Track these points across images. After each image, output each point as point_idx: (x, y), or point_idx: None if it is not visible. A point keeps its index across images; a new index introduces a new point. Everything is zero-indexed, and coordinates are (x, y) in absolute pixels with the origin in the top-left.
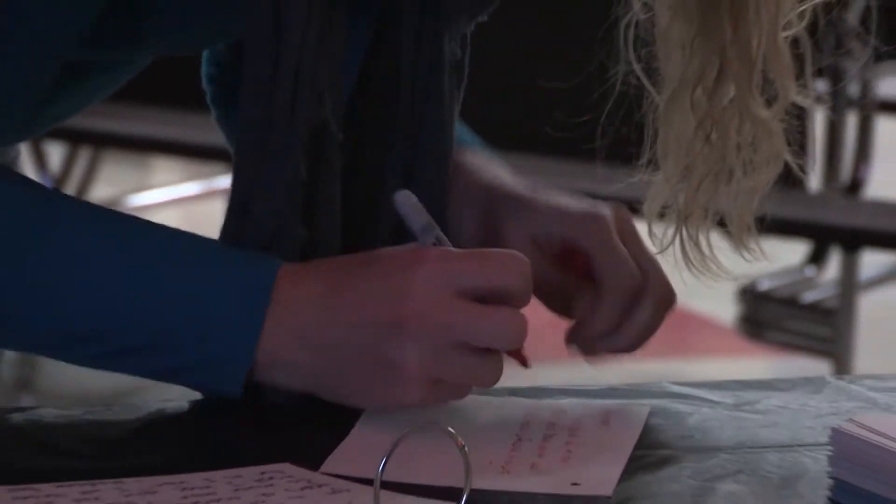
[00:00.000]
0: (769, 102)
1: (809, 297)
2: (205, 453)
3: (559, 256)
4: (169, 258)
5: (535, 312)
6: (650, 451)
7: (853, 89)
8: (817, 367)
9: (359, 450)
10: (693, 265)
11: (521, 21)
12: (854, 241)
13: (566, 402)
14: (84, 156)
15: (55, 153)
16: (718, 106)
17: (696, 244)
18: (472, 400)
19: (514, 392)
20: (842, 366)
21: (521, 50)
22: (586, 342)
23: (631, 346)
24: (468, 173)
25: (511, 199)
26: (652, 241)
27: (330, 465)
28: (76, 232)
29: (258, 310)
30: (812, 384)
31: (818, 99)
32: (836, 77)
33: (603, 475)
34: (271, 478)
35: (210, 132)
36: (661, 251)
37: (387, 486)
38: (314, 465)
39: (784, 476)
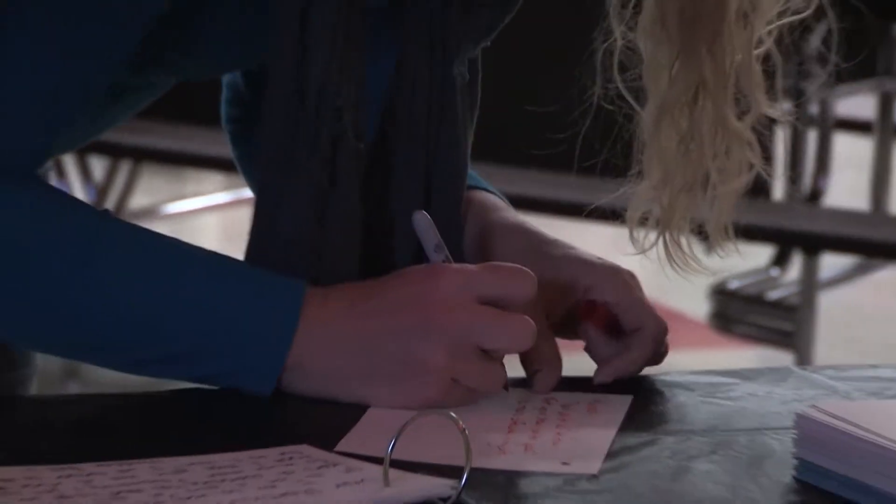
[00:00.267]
0: (742, 114)
1: (774, 295)
2: (231, 436)
3: (580, 303)
4: (208, 277)
5: None
6: (632, 434)
7: (813, 109)
8: (781, 358)
9: (370, 432)
10: (675, 263)
11: (512, 48)
12: (814, 245)
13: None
14: (124, 168)
15: (98, 166)
16: (698, 121)
17: (678, 245)
18: None
19: (510, 382)
20: (803, 357)
21: (512, 74)
22: (610, 376)
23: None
24: (501, 210)
25: (550, 245)
26: (634, 244)
27: (344, 445)
28: (127, 252)
29: (288, 325)
30: (777, 374)
31: (782, 117)
32: (798, 97)
33: (590, 455)
34: (291, 457)
35: None
36: (643, 252)
37: (395, 464)
38: (330, 446)
39: (753, 456)
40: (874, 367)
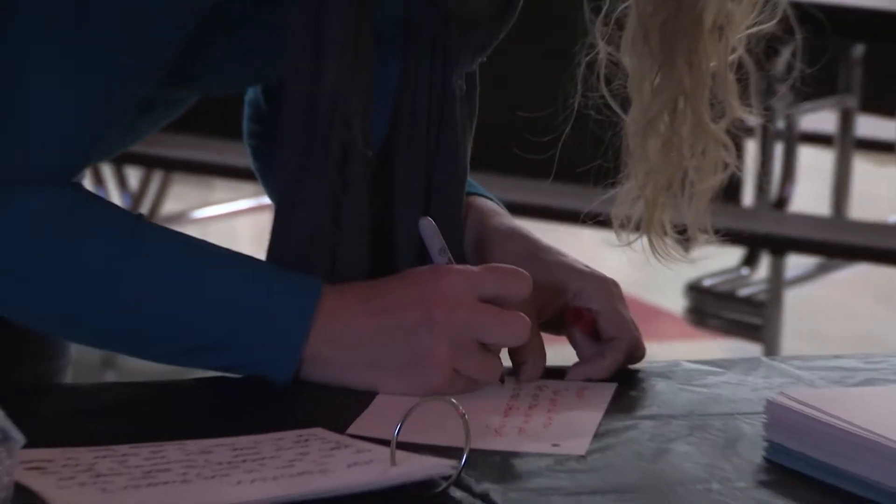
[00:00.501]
0: (717, 118)
1: (744, 292)
2: (252, 420)
3: (568, 307)
4: (233, 276)
5: None
6: (617, 419)
7: (780, 124)
8: (751, 349)
9: (378, 417)
10: (658, 254)
11: (501, 62)
12: (780, 247)
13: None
14: (157, 177)
15: (133, 175)
16: (678, 126)
17: (660, 238)
18: None
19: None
20: (770, 349)
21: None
22: (581, 376)
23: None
24: (501, 215)
25: (544, 251)
26: (619, 238)
27: (355, 428)
28: (160, 251)
29: (305, 320)
30: (748, 363)
31: (751, 131)
32: (766, 114)
33: (578, 438)
34: (307, 440)
35: None
36: (629, 244)
37: (401, 446)
38: (342, 429)
39: (727, 438)
40: (836, 357)
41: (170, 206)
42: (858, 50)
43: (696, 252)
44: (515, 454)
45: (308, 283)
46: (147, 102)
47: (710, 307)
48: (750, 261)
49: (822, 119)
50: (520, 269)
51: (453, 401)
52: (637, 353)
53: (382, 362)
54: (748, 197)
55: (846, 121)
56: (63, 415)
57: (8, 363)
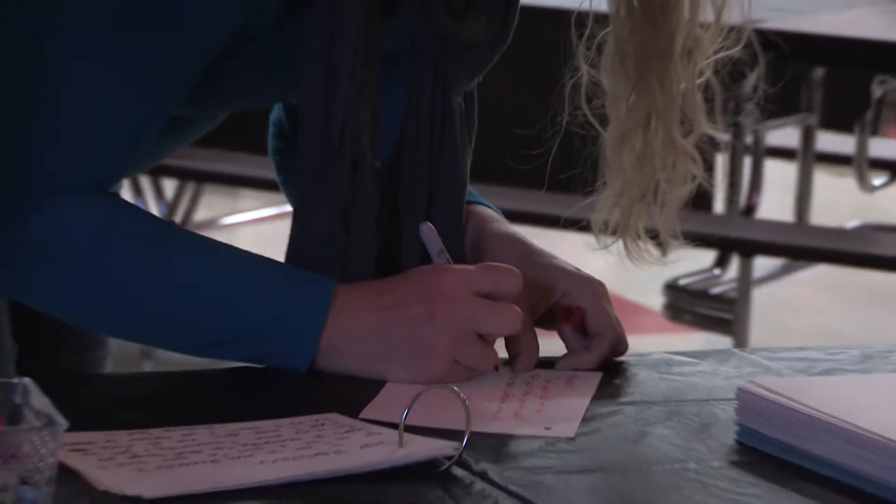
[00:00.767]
0: (686, 134)
1: (716, 290)
2: (274, 406)
3: (559, 305)
4: (256, 276)
5: None
6: (602, 404)
7: (748, 139)
8: (723, 341)
9: (388, 403)
10: (633, 257)
11: (496, 83)
12: (749, 249)
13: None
14: (190, 188)
15: (168, 186)
16: (651, 141)
17: (635, 242)
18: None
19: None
20: (740, 341)
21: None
22: (569, 367)
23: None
24: (499, 222)
25: (537, 255)
26: (598, 242)
27: (366, 413)
28: (190, 254)
29: (320, 315)
30: (721, 355)
31: (722, 146)
32: (735, 131)
33: (568, 421)
34: (323, 423)
35: None
36: (606, 248)
37: (408, 428)
38: (354, 414)
39: (702, 422)
40: (800, 349)
41: (201, 214)
42: (819, 73)
43: (668, 255)
44: (511, 436)
45: (322, 281)
46: (177, 120)
47: (686, 304)
48: (721, 262)
49: (785, 135)
50: (512, 267)
51: (455, 388)
52: (620, 346)
53: (389, 353)
54: (719, 205)
55: (807, 137)
56: (102, 402)
57: (52, 355)
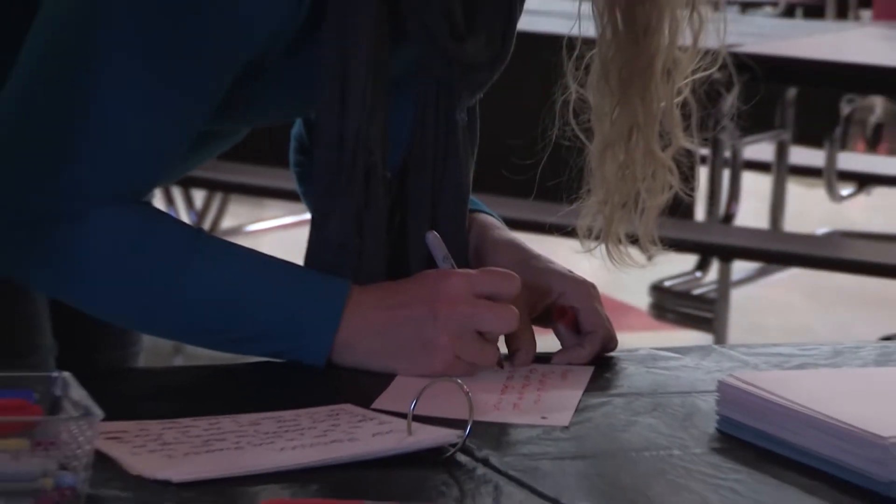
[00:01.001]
0: (665, 147)
1: (698, 291)
2: (293, 397)
3: (554, 305)
4: (278, 278)
5: None
6: (593, 396)
7: (727, 153)
8: (704, 339)
9: (397, 395)
10: (614, 260)
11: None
12: (727, 254)
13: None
14: (217, 197)
15: (198, 196)
16: (632, 153)
17: (616, 246)
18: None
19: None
20: (720, 338)
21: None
22: (564, 361)
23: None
24: (500, 229)
25: (535, 259)
26: (583, 247)
27: (378, 404)
28: (218, 258)
29: (335, 314)
30: (703, 350)
31: (703, 159)
32: (715, 145)
33: (562, 411)
34: (338, 413)
35: None
36: (590, 251)
37: (416, 418)
38: (367, 404)
39: (685, 413)
40: (775, 345)
41: (228, 222)
42: (791, 92)
43: (649, 259)
44: (510, 425)
45: (338, 283)
46: (205, 134)
47: (670, 304)
48: (702, 266)
49: (761, 150)
50: (511, 271)
51: (459, 381)
52: (611, 343)
53: (396, 350)
54: (700, 213)
55: (781, 151)
56: (135, 394)
57: (89, 351)
